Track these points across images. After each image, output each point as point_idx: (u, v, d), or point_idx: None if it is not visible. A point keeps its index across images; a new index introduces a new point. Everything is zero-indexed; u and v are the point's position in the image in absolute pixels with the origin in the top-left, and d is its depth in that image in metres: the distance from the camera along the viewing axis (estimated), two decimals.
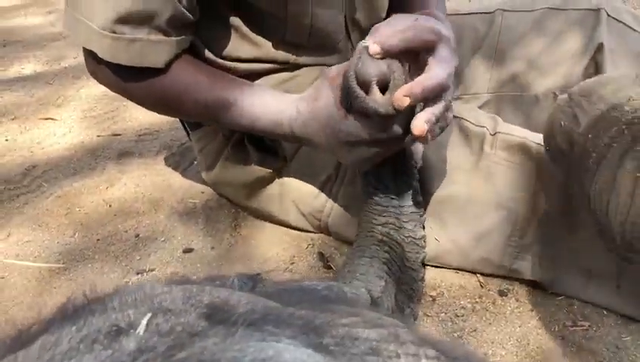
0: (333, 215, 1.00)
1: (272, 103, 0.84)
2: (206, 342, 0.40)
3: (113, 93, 0.92)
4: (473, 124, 0.94)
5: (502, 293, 0.93)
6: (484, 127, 0.93)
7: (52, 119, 1.56)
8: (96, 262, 1.02)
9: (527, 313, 0.89)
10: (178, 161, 1.34)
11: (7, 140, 1.47)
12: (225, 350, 0.40)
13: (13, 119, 1.58)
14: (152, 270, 1.00)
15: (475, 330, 0.86)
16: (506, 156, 0.91)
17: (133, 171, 1.30)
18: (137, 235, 1.08)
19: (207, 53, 0.93)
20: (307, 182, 1.00)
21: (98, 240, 1.07)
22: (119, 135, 1.47)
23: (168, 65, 0.84)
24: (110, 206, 1.17)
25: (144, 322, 0.41)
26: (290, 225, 1.07)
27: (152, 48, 0.82)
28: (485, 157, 0.92)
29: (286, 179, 1.02)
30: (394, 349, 0.43)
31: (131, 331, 0.40)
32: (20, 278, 0.99)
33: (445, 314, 0.90)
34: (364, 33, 0.95)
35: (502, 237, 0.91)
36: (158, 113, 0.97)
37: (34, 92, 1.75)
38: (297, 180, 1.01)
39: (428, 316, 0.89)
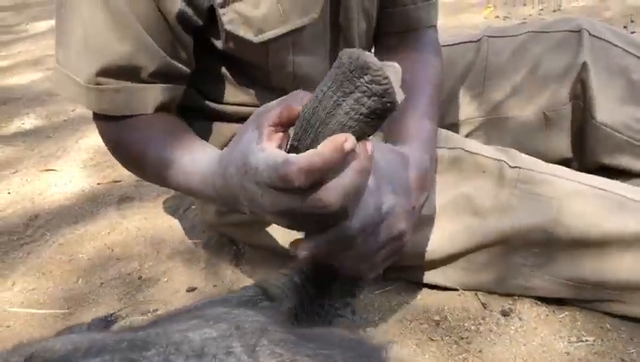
0: None
1: (203, 158, 0.76)
2: None
3: None
4: (489, 157, 0.93)
5: (504, 313, 0.93)
6: (501, 160, 0.93)
7: (53, 170, 1.59)
8: (100, 305, 1.03)
9: (532, 331, 0.89)
10: (178, 204, 1.35)
11: (9, 193, 1.49)
12: None
13: (14, 173, 1.60)
14: (156, 310, 1.01)
15: (480, 351, 0.86)
16: (528, 188, 0.91)
17: (134, 215, 1.31)
18: (140, 277, 1.09)
19: (205, 101, 0.95)
20: None
21: (102, 283, 1.08)
22: (119, 181, 1.49)
23: (156, 111, 0.84)
24: (112, 250, 1.18)
25: None
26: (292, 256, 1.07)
27: (138, 95, 0.82)
28: (505, 190, 0.91)
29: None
30: (227, 344, 0.46)
31: None
32: (25, 326, 1.00)
33: (450, 337, 0.90)
34: None
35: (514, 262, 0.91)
36: (127, 169, 0.93)
37: (35, 145, 1.79)
38: None
39: (433, 340, 0.89)
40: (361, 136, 0.57)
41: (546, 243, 0.89)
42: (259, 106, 0.94)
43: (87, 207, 1.37)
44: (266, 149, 0.59)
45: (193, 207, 1.31)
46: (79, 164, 1.60)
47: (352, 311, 0.99)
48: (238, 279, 1.07)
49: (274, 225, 1.01)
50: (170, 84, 0.85)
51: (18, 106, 2.21)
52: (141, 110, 0.83)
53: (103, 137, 0.89)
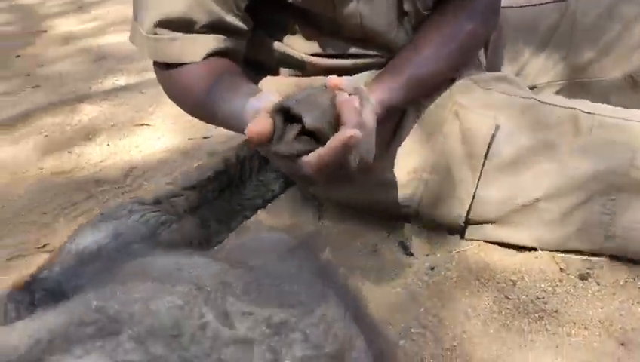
0: (424, 202, 1.04)
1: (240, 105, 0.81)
2: None
3: None
4: (563, 106, 0.96)
5: (582, 277, 0.94)
6: (576, 108, 0.95)
7: (147, 125, 1.70)
8: None
9: (610, 296, 0.91)
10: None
11: (108, 145, 1.61)
12: None
13: (112, 126, 1.72)
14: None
15: (556, 311, 0.89)
16: (603, 133, 0.92)
17: None
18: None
19: (278, 55, 1.00)
20: (396, 171, 1.04)
21: None
22: (208, 137, 1.58)
23: (205, 58, 0.91)
24: None
25: None
26: (374, 213, 1.12)
27: (189, 45, 0.90)
28: (581, 136, 0.93)
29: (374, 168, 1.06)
30: (198, 313, 0.45)
31: None
32: None
33: (526, 296, 0.92)
34: (419, 19, 1.00)
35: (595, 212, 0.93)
36: (183, 110, 1.02)
37: (128, 101, 1.90)
38: (387, 169, 1.05)
39: (509, 298, 0.93)
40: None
41: (624, 189, 0.90)
42: (331, 57, 0.99)
43: (180, 160, 1.47)
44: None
45: None
46: (170, 120, 1.70)
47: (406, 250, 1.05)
48: (320, 232, 1.13)
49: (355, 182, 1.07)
50: (222, 35, 0.92)
51: (112, 64, 2.34)
52: (192, 58, 0.91)
53: (160, 83, 0.99)
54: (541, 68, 1.19)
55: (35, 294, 0.72)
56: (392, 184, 1.05)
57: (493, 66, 1.19)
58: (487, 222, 1.01)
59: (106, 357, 0.41)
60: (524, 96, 0.99)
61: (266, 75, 1.05)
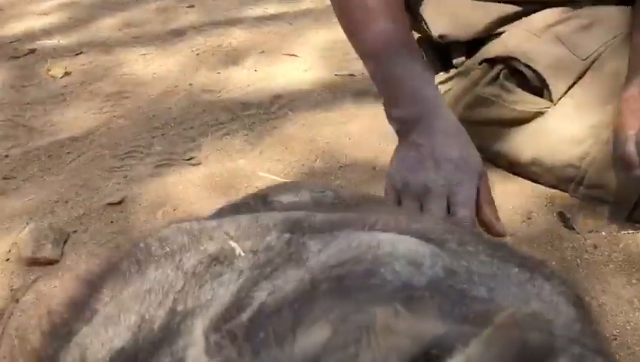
0: (597, 165, 0.94)
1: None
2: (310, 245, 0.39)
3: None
4: None
5: None
6: None
7: (294, 55, 1.68)
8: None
9: None
10: None
11: (256, 71, 1.61)
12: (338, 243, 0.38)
13: (260, 52, 1.72)
14: None
15: None
16: None
17: (368, 110, 1.34)
18: (374, 167, 1.13)
19: None
20: (572, 125, 0.95)
21: (340, 167, 1.14)
22: (354, 75, 1.53)
23: None
24: (349, 138, 1.23)
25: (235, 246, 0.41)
26: (532, 175, 1.03)
27: None
28: None
29: (547, 121, 0.98)
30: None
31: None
32: None
33: None
34: None
35: None
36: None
37: (277, 30, 1.89)
38: (561, 123, 0.97)
39: None
40: None
41: None
42: None
43: (326, 94, 1.44)
44: None
45: None
46: (318, 53, 1.67)
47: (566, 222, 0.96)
48: None
49: (524, 130, 1.00)
50: None
51: None
52: None
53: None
54: None
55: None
56: (564, 137, 0.96)
57: None
58: None
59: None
60: None
61: None
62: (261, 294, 0.34)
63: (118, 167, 1.21)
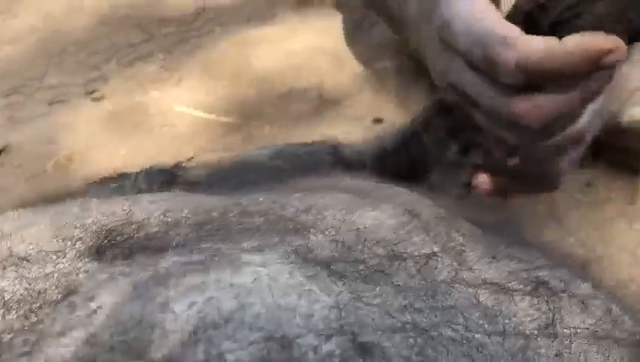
0: None
1: None
2: None
3: None
4: None
5: None
6: None
7: None
8: (274, 125, 0.91)
9: None
10: (363, 15, 1.15)
11: None
12: None
13: None
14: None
15: None
16: None
17: (314, 22, 1.14)
18: (320, 95, 0.96)
19: None
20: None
21: (277, 96, 0.95)
22: None
23: None
24: (290, 60, 1.04)
25: None
26: None
27: None
28: None
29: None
30: (419, 241, 0.35)
31: None
32: (190, 130, 0.91)
33: None
34: None
35: None
36: None
37: None
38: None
39: None
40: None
41: None
42: None
43: (261, 5, 1.22)
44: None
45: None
46: None
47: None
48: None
49: None
50: None
51: None
52: None
53: None
54: None
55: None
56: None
57: None
58: None
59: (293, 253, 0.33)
60: None
61: None
62: None
63: (1, 107, 0.99)
